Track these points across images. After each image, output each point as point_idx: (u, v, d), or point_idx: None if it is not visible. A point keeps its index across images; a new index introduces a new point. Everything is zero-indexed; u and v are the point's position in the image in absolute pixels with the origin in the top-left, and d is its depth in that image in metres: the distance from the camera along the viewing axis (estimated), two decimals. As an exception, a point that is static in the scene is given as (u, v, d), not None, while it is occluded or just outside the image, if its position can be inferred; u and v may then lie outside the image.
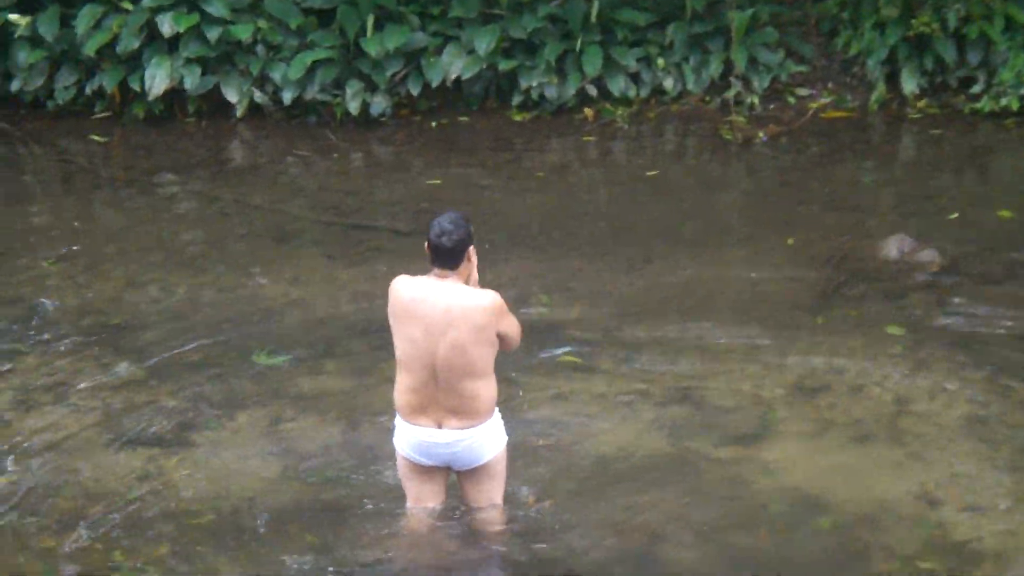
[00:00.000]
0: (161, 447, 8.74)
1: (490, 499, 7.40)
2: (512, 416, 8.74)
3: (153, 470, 8.46)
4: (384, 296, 10.80)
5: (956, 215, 12.45)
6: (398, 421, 7.25)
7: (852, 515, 7.76)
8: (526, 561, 7.41)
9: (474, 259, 7.11)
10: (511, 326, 7.13)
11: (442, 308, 6.98)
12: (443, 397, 7.07)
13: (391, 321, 7.15)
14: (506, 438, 7.32)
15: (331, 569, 7.39)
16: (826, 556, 7.41)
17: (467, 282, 7.10)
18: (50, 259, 11.91)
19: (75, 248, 12.26)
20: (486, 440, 7.18)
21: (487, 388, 7.07)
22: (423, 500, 7.45)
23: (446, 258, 7.00)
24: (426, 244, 7.04)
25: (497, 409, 7.24)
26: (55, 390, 9.54)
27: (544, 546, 7.52)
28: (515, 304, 10.59)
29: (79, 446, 8.76)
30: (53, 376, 9.74)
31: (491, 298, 7.00)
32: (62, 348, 10.19)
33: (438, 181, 14.02)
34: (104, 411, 9.23)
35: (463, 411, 7.07)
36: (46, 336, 10.39)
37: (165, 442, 8.81)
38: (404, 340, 7.11)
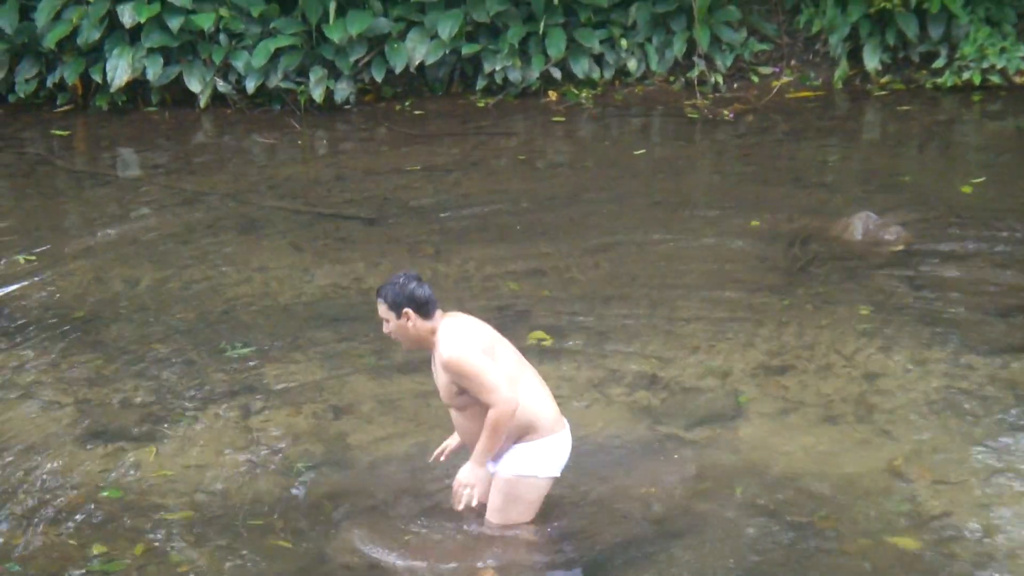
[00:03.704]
0: (132, 442, 8.71)
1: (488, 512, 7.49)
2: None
3: (125, 465, 8.42)
4: (351, 285, 10.87)
5: (921, 192, 12.49)
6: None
7: (822, 493, 7.77)
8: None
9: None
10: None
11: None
12: None
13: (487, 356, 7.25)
14: (520, 472, 7.34)
15: (306, 562, 7.39)
16: (796, 535, 7.42)
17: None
18: (16, 253, 11.83)
19: (39, 242, 12.19)
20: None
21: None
22: None
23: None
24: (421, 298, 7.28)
25: (532, 443, 7.29)
26: (23, 386, 9.49)
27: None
28: (483, 290, 10.65)
29: (49, 442, 8.71)
30: (21, 372, 9.69)
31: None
32: (29, 344, 10.14)
33: (404, 168, 14.00)
34: (73, 407, 9.19)
35: None
36: (12, 332, 10.33)
37: (136, 437, 8.77)
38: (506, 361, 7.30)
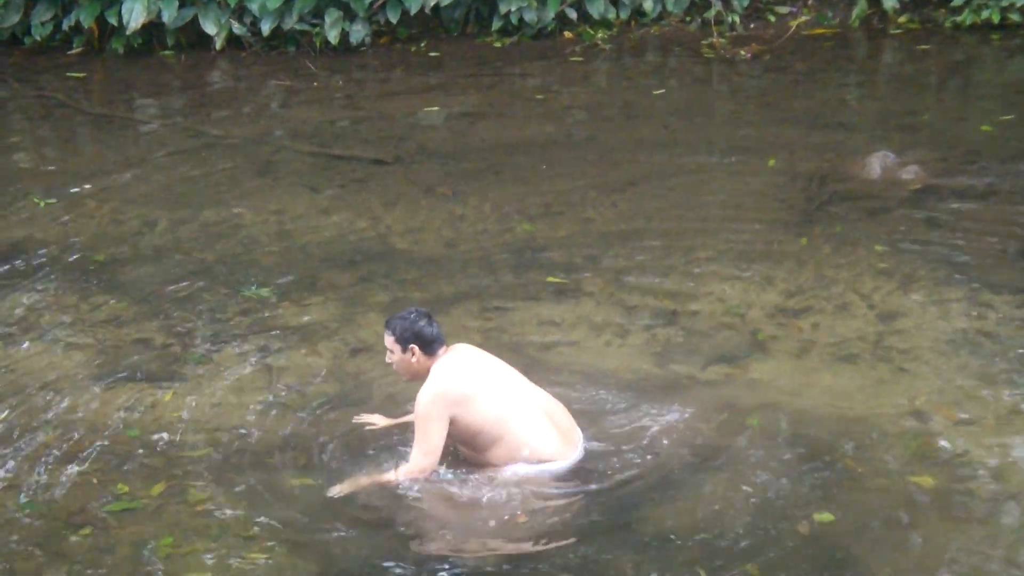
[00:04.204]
0: (151, 382, 8.74)
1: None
2: (500, 341, 8.79)
3: (144, 405, 8.45)
4: (368, 227, 10.87)
5: (939, 131, 12.44)
6: None
7: (841, 432, 7.78)
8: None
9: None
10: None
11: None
12: None
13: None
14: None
15: (326, 499, 7.42)
16: (816, 472, 7.43)
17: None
18: (34, 196, 11.85)
19: (56, 184, 12.21)
20: None
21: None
22: None
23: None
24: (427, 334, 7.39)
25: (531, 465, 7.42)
26: (42, 328, 9.53)
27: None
28: (499, 231, 10.65)
29: (69, 383, 8.74)
30: (41, 314, 9.72)
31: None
32: (48, 286, 10.17)
33: (420, 109, 13.97)
34: (92, 347, 9.23)
35: None
36: (31, 274, 10.36)
37: (155, 377, 8.81)
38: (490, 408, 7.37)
